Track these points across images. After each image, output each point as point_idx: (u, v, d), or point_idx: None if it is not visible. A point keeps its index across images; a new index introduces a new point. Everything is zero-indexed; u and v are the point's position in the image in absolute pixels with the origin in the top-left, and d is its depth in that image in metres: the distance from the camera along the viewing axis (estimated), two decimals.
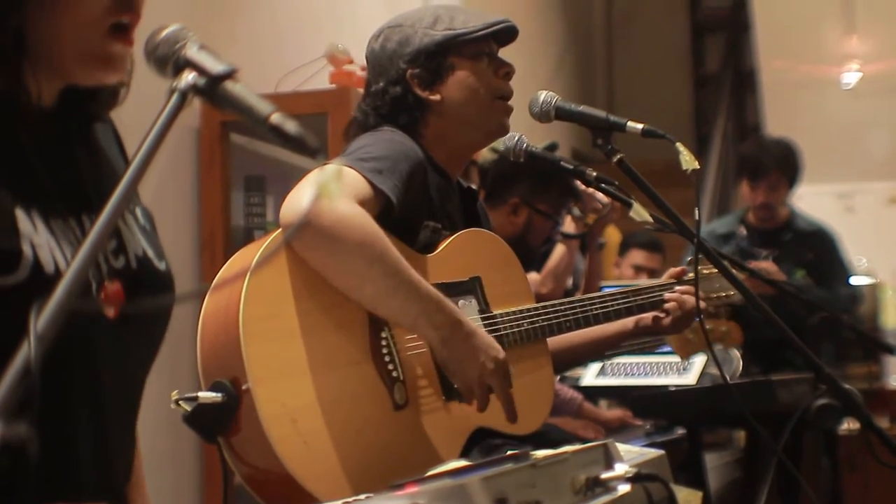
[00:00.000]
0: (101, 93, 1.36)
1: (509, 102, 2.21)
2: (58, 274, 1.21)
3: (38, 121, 1.30)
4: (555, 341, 2.29)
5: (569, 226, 3.68)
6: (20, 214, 1.22)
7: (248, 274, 1.72)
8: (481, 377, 1.92)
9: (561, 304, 2.26)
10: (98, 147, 1.40)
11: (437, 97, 2.16)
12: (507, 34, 2.23)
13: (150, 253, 1.39)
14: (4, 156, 1.25)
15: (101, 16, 1.24)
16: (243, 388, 1.67)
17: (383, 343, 1.90)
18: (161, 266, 1.40)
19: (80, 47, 1.26)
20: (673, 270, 2.51)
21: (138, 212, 1.43)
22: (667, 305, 2.38)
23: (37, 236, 1.22)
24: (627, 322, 2.43)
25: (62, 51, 1.26)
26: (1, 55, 1.23)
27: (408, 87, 2.15)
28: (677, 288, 2.42)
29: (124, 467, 1.42)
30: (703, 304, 2.32)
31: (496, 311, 2.15)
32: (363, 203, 1.85)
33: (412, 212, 2.01)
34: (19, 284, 1.18)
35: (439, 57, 2.15)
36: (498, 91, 2.19)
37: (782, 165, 4.60)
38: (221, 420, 1.69)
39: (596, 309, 2.31)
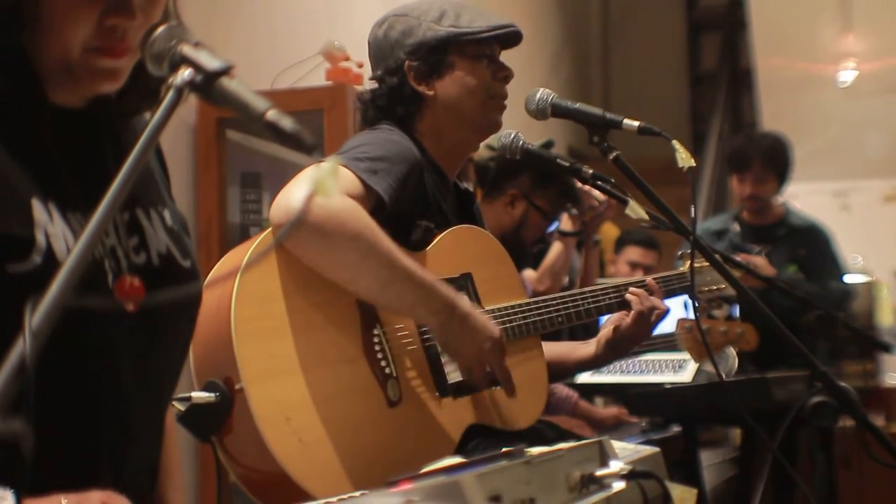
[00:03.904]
0: (132, 92, 1.37)
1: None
2: None
3: (63, 118, 1.32)
4: None
5: (566, 223, 3.68)
6: (36, 204, 1.23)
7: (239, 274, 1.71)
8: (480, 357, 1.94)
9: (552, 300, 2.26)
10: (131, 144, 1.41)
11: (431, 92, 2.16)
12: (511, 38, 2.22)
13: (175, 251, 1.40)
14: (23, 150, 1.26)
15: (83, 41, 1.26)
16: (236, 387, 1.67)
17: (375, 340, 1.90)
18: (186, 264, 1.41)
19: (67, 65, 1.27)
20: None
21: (166, 213, 1.44)
22: (628, 296, 2.34)
23: (52, 226, 1.23)
24: (590, 345, 2.41)
25: (54, 66, 1.28)
26: (7, 66, 1.26)
27: (404, 78, 2.15)
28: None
29: (148, 461, 1.42)
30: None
31: (487, 307, 2.15)
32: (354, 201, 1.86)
33: (406, 211, 2.01)
34: (32, 272, 1.19)
35: (440, 53, 2.15)
36: (493, 92, 2.19)
37: (767, 157, 4.60)
38: (215, 420, 1.69)
39: (588, 303, 2.30)
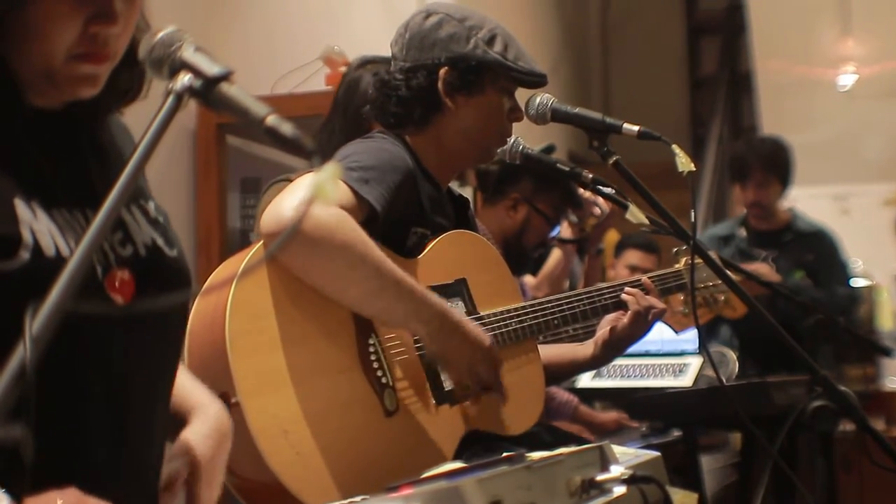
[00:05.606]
0: (105, 92, 1.37)
1: None
2: (59, 258, 1.23)
3: (41, 120, 1.32)
4: None
5: (565, 231, 3.68)
6: (19, 202, 1.24)
7: (232, 286, 1.71)
8: (471, 366, 1.94)
9: (548, 302, 2.26)
10: (109, 143, 1.42)
11: (452, 105, 2.15)
12: (538, 85, 2.24)
13: (160, 241, 1.40)
14: (4, 153, 1.27)
15: (67, 48, 1.27)
16: (233, 401, 1.67)
17: (371, 350, 1.89)
18: (172, 253, 1.41)
19: (50, 72, 1.28)
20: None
21: (150, 205, 1.44)
22: (624, 297, 2.34)
23: (37, 223, 1.24)
24: (587, 346, 2.41)
25: (35, 73, 1.29)
26: None
27: (434, 81, 2.14)
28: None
29: (148, 460, 1.42)
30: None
31: (483, 312, 2.14)
32: (346, 211, 1.85)
33: (400, 220, 2.00)
34: (20, 269, 1.19)
35: (478, 74, 2.14)
36: (503, 129, 2.21)
37: (768, 163, 4.60)
38: None
39: (584, 305, 2.30)
